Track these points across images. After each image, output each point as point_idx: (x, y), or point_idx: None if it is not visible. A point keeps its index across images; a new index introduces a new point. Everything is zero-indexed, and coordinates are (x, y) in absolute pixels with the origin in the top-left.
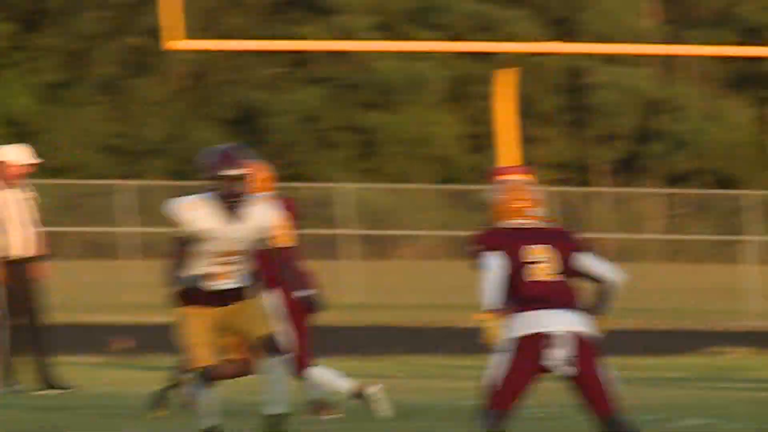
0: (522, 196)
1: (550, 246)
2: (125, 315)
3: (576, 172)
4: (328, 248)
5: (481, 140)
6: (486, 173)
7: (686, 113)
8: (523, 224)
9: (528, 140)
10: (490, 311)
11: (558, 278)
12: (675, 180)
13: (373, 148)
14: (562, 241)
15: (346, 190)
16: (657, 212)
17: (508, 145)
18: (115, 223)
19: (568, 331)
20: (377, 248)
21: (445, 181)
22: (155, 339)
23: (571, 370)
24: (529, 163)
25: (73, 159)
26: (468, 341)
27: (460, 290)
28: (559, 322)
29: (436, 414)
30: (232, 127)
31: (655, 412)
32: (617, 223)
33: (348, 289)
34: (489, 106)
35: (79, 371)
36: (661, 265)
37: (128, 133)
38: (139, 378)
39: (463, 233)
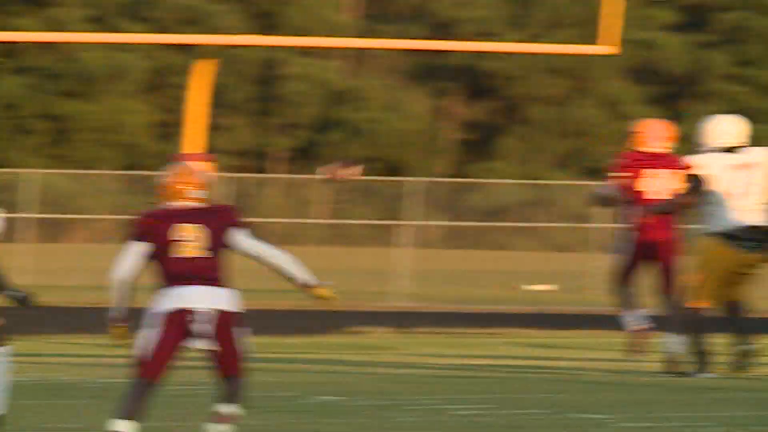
0: (184, 179)
1: (202, 224)
2: None
3: (255, 159)
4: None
5: (172, 128)
6: (168, 159)
7: (367, 104)
8: (182, 205)
9: (215, 128)
10: (116, 321)
11: (206, 255)
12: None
13: (66, 135)
14: (218, 218)
15: (31, 176)
16: (324, 198)
17: (194, 133)
18: None
19: (209, 308)
20: (54, 232)
21: (130, 167)
22: None
23: (210, 345)
24: (212, 151)
25: None
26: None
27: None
28: (202, 299)
29: (85, 392)
30: None
31: (290, 390)
32: (288, 208)
33: (19, 270)
34: (184, 95)
35: None
36: (324, 248)
37: None
38: None
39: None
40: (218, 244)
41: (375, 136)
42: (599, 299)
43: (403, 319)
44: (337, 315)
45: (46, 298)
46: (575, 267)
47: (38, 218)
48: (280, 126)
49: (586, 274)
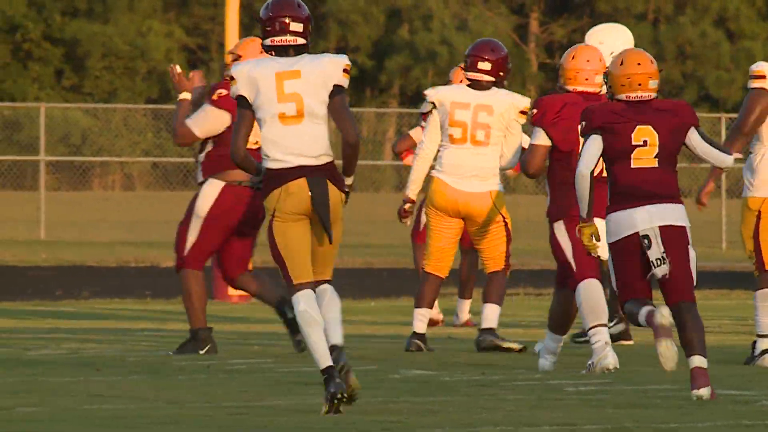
0: (646, 68)
1: (659, 125)
2: None
3: None
4: (23, 177)
5: (201, 54)
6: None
7: (432, 24)
8: (640, 98)
9: None
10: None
11: (661, 166)
12: (416, 98)
13: (76, 62)
14: (677, 118)
15: (47, 112)
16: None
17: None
18: None
19: (661, 226)
20: (72, 177)
21: (157, 101)
22: None
23: (665, 270)
24: None
25: None
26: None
27: (166, 226)
28: (653, 218)
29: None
30: None
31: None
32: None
33: (29, 223)
34: (212, 14)
35: None
36: None
37: None
38: None
39: (175, 159)
40: (673, 151)
41: (444, 61)
42: (719, 253)
43: None
44: None
45: (66, 257)
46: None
47: (52, 161)
48: (334, 49)
49: None
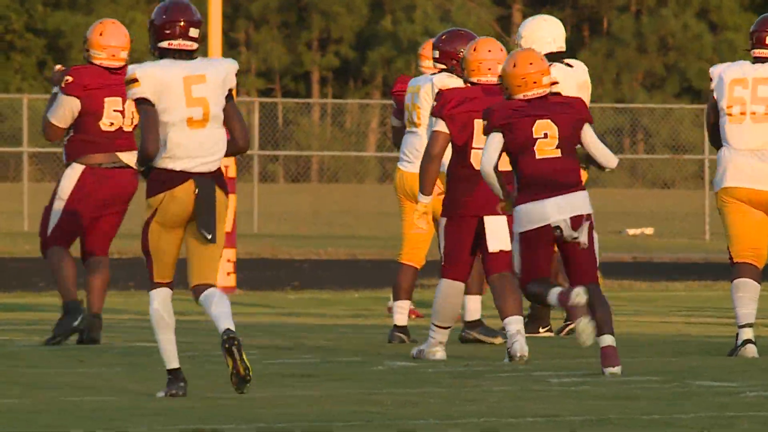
0: (538, 67)
1: (557, 119)
2: None
3: (292, 81)
4: (6, 168)
5: None
6: None
7: (415, 14)
8: (535, 95)
9: (235, 45)
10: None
11: (562, 155)
12: None
13: (59, 53)
14: (572, 112)
15: (30, 103)
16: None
17: (215, 51)
18: None
19: (571, 217)
20: (60, 168)
21: None
22: None
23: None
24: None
25: None
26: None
27: None
28: (563, 210)
29: None
30: None
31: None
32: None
33: (20, 216)
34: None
35: None
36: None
37: None
38: None
39: None
40: (573, 141)
41: None
42: (702, 245)
43: None
44: None
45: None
46: (673, 206)
47: (35, 152)
48: (318, 41)
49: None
